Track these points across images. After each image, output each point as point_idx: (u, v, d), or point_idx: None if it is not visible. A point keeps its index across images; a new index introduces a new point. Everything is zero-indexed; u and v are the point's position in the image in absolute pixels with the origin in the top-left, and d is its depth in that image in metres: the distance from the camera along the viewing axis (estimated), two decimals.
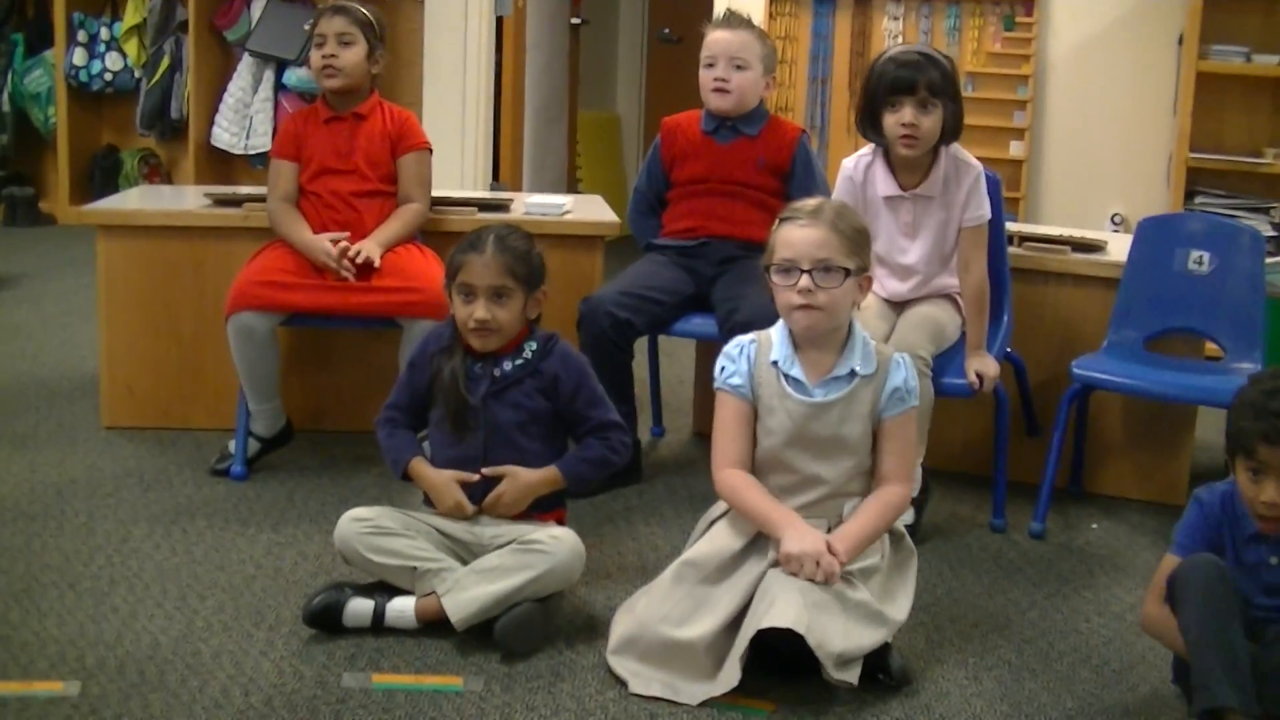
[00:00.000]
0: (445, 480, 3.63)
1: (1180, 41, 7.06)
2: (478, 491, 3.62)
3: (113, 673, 3.22)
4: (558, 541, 3.49)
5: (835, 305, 3.32)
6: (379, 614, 3.48)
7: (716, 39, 4.75)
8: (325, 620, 3.46)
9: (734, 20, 4.80)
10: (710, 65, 4.73)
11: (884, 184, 4.43)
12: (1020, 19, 7.46)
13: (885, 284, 4.49)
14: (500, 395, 3.64)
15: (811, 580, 3.18)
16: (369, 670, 3.30)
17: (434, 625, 3.46)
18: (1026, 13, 7.45)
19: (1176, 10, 7.13)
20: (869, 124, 4.39)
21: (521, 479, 3.61)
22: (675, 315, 4.69)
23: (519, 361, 3.67)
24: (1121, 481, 4.88)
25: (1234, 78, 7.00)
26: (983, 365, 4.35)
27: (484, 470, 3.60)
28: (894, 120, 4.28)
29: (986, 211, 4.43)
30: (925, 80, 4.24)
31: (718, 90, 4.72)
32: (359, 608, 3.48)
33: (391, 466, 3.75)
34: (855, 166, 4.48)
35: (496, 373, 3.65)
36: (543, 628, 3.48)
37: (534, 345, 3.69)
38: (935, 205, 4.40)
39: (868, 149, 4.48)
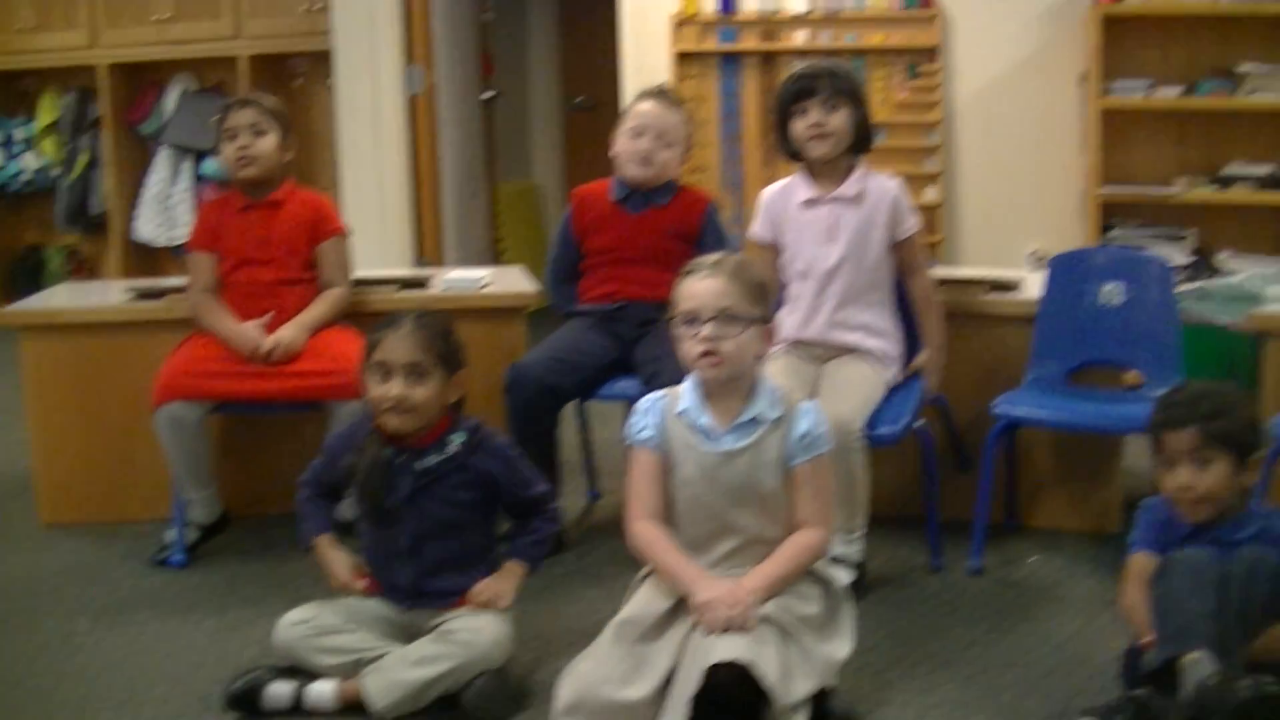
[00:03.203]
0: (338, 568, 3.66)
1: (1083, 79, 7.17)
2: (403, 580, 3.61)
3: None
4: (477, 632, 3.47)
5: (738, 353, 3.37)
6: (299, 696, 3.46)
7: (649, 111, 4.81)
8: (245, 703, 3.45)
9: (668, 97, 4.89)
10: (637, 135, 4.78)
11: (803, 191, 4.54)
12: (924, 67, 7.54)
13: (809, 301, 4.53)
14: (426, 490, 3.60)
15: (729, 628, 3.20)
16: None
17: (354, 708, 3.44)
18: (930, 60, 7.54)
19: (1077, 49, 7.25)
20: (782, 139, 4.53)
21: (496, 589, 3.60)
22: (601, 379, 4.72)
23: (444, 456, 3.63)
24: (1056, 513, 4.93)
25: (1138, 111, 7.11)
26: (930, 362, 4.52)
27: (470, 602, 3.58)
28: (802, 124, 4.43)
29: (915, 222, 4.55)
30: (826, 83, 4.41)
31: (642, 162, 4.77)
32: (279, 690, 3.46)
33: (300, 538, 3.77)
34: (774, 188, 4.63)
35: (419, 467, 3.61)
36: (505, 695, 3.49)
37: (460, 438, 3.65)
38: (853, 210, 4.49)
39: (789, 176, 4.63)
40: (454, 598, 3.61)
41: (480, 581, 3.61)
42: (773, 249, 4.60)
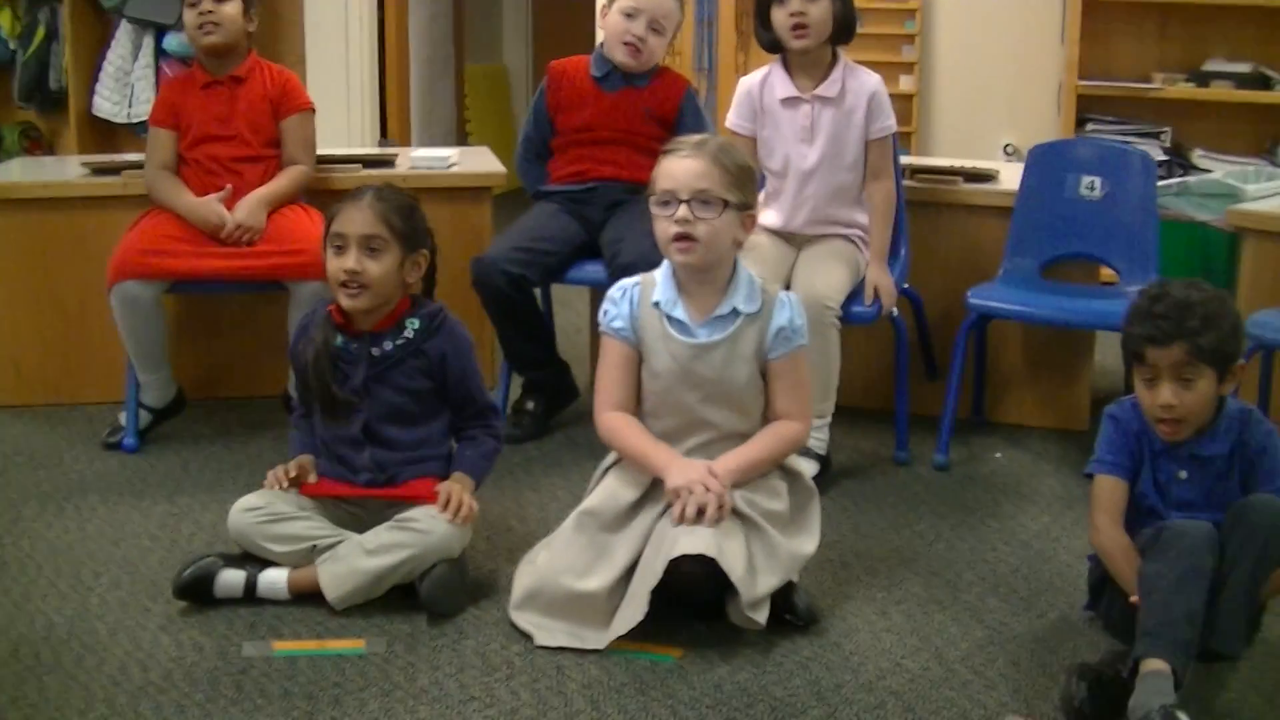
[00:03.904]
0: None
1: None
2: (360, 463, 3.51)
3: (5, 657, 3.14)
4: (434, 520, 3.39)
5: (714, 238, 3.24)
6: (250, 585, 3.40)
7: None
8: (196, 592, 3.38)
9: None
10: (630, 16, 4.61)
11: (781, 87, 4.42)
12: None
13: (789, 199, 4.45)
14: (381, 378, 3.50)
15: (701, 512, 3.13)
16: (270, 638, 3.24)
17: (307, 597, 3.38)
18: None
19: None
20: (761, 26, 4.39)
21: (464, 498, 3.45)
22: (568, 264, 4.63)
23: (399, 341, 3.51)
24: (1023, 410, 4.90)
25: (1120, 4, 6.99)
26: (881, 278, 4.35)
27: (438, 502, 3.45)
28: (782, 14, 4.29)
29: (892, 123, 4.44)
30: None
31: (631, 47, 4.62)
32: (230, 579, 3.39)
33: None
34: (753, 79, 4.49)
35: (375, 352, 3.50)
36: (462, 585, 3.43)
37: (416, 323, 3.53)
38: (832, 108, 4.38)
39: (768, 65, 4.48)
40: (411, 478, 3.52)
41: (441, 483, 3.50)
42: (749, 140, 4.48)
